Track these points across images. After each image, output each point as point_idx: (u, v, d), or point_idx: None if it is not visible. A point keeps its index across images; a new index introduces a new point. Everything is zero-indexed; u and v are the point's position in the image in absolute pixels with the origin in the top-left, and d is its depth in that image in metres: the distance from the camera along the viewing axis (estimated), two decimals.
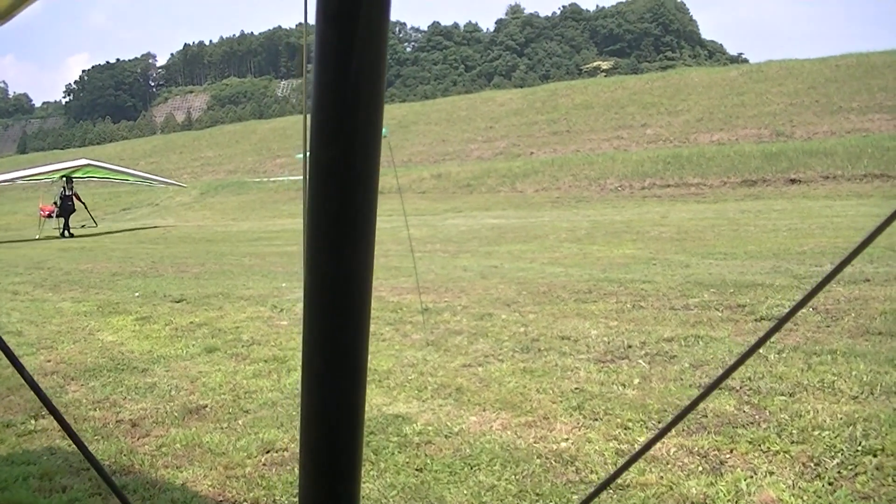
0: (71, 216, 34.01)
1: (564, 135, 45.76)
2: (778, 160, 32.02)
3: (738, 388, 6.10)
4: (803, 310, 8.48)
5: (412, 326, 9.26)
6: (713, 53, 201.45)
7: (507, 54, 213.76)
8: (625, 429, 5.55)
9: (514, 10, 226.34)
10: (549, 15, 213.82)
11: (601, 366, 7.10)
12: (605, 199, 31.50)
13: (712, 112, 43.51)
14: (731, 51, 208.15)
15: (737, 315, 8.67)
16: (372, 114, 0.94)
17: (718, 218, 21.01)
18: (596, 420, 5.75)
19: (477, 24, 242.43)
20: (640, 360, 7.17)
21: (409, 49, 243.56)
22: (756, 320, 8.35)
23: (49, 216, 35.25)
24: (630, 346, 7.66)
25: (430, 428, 5.86)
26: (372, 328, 9.01)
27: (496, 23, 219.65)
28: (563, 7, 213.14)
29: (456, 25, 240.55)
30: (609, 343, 7.86)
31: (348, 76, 0.92)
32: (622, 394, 6.26)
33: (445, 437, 5.68)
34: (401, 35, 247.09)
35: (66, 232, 33.51)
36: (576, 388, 6.46)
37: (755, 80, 47.31)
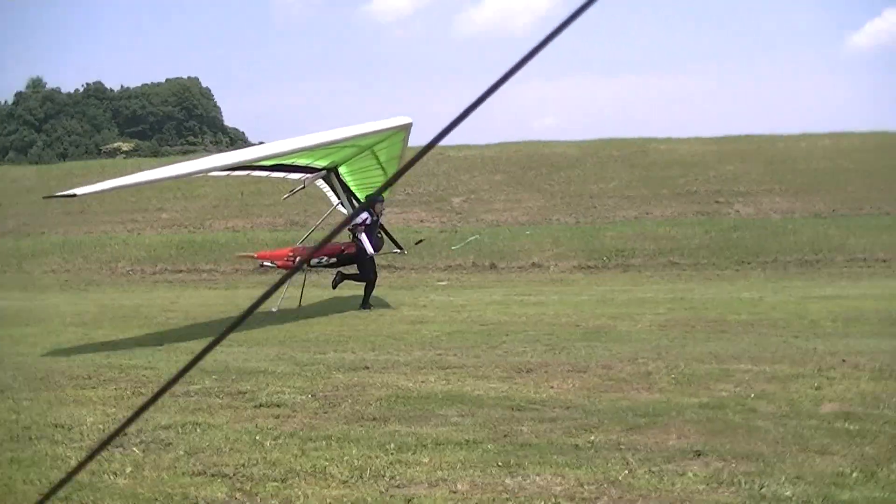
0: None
1: (78, 216, 43.77)
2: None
3: (231, 474, 6.17)
4: (302, 396, 8.79)
5: None
6: (235, 140, 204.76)
7: (25, 129, 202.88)
8: None
9: (35, 84, 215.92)
10: (72, 91, 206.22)
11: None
12: (116, 283, 30.55)
13: (229, 199, 44.04)
14: (253, 138, 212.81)
15: (237, 401, 8.75)
16: None
17: (227, 304, 21.18)
18: None
19: None
20: (135, 448, 7.01)
21: None
22: (256, 406, 8.47)
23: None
24: (125, 434, 7.45)
25: None
26: None
27: (16, 96, 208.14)
28: (87, 84, 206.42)
29: None
30: (104, 431, 7.60)
31: None
32: (113, 483, 6.09)
33: None
34: None
35: (366, 302, 18.10)
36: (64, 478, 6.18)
37: None
